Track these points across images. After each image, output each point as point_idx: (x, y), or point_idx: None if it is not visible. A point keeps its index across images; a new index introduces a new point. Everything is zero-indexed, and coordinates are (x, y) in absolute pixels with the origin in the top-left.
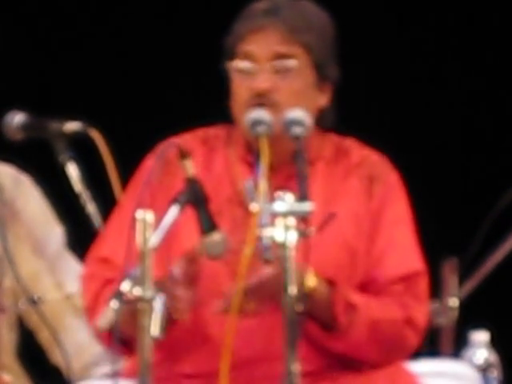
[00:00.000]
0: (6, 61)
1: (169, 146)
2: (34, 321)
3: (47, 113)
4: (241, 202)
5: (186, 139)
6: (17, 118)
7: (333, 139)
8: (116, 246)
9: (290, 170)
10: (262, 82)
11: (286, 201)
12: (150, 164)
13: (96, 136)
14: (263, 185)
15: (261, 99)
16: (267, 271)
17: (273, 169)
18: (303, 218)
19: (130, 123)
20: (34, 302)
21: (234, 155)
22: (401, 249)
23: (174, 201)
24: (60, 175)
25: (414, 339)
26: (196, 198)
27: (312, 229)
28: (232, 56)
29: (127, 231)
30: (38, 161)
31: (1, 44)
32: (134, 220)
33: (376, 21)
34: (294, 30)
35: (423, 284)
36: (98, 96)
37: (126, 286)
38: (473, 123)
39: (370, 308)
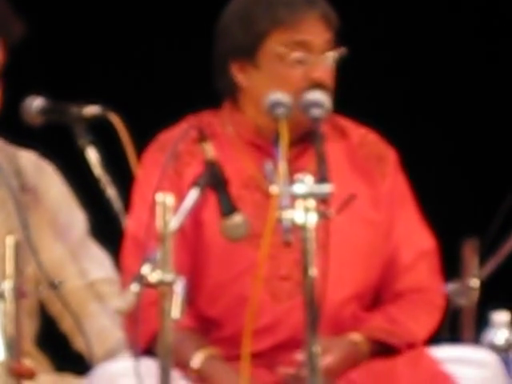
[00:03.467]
0: (24, 46)
1: (190, 128)
2: (56, 308)
3: (66, 97)
4: (257, 187)
5: (184, 128)
6: (36, 103)
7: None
8: None
9: (300, 148)
10: (323, 72)
11: (306, 183)
12: (152, 156)
13: (115, 120)
14: (283, 167)
15: (319, 87)
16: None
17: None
18: (323, 200)
19: (149, 107)
20: (55, 286)
21: (240, 140)
22: (413, 230)
23: (194, 184)
24: (79, 159)
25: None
26: (216, 180)
27: (332, 211)
28: (260, 38)
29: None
30: (57, 145)
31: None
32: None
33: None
34: (331, 20)
35: (437, 258)
36: (117, 79)
37: (146, 270)
38: (492, 105)
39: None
